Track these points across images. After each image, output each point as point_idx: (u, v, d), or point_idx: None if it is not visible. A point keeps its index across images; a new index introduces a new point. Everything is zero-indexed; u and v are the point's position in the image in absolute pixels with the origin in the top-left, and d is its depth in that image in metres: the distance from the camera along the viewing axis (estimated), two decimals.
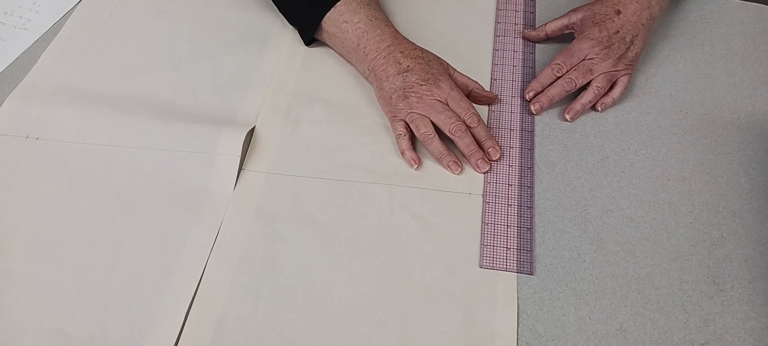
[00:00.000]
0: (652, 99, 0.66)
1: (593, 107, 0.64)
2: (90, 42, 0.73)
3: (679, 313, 0.51)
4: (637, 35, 0.64)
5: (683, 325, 0.50)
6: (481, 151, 0.60)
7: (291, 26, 0.72)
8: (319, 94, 0.67)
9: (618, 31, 0.64)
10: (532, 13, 0.75)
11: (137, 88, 0.67)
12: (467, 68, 0.66)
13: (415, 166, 0.60)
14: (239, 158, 0.60)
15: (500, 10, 0.75)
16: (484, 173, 0.59)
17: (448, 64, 0.64)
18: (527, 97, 0.65)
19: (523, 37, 0.72)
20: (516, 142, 0.62)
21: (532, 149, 0.61)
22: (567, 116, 0.63)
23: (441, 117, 0.59)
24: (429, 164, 0.60)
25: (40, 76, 0.69)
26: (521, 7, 0.75)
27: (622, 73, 0.64)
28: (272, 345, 0.50)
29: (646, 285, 0.52)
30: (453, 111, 0.60)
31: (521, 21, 0.74)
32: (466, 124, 0.60)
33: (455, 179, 0.59)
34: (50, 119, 0.64)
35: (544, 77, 0.64)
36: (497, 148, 0.60)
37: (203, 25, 0.74)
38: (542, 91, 0.64)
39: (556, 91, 0.63)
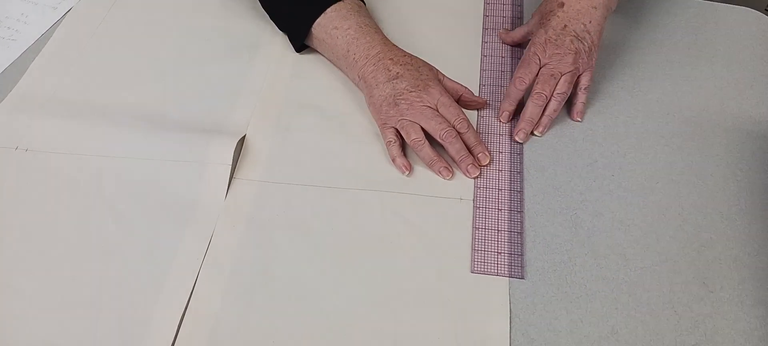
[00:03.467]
0: (639, 103, 0.66)
1: (572, 118, 0.64)
2: (79, 53, 0.72)
3: (670, 315, 0.51)
4: (589, 22, 0.63)
5: (674, 327, 0.51)
6: (471, 156, 0.60)
7: (281, 34, 0.72)
8: (309, 101, 0.67)
9: (565, 26, 0.63)
10: (519, 18, 0.75)
11: (127, 98, 0.67)
12: (456, 74, 0.66)
13: (407, 172, 0.60)
14: (230, 167, 0.60)
15: (488, 16, 0.75)
16: (474, 178, 0.60)
17: (437, 70, 0.65)
18: (502, 120, 0.64)
19: (499, 38, 0.72)
20: (505, 147, 0.62)
21: (521, 154, 0.62)
22: (537, 133, 0.63)
23: (431, 123, 0.60)
24: (420, 170, 0.61)
25: (29, 87, 0.69)
26: (509, 13, 0.76)
27: (583, 68, 0.63)
28: None
29: (637, 288, 0.53)
30: (443, 117, 0.60)
31: (509, 27, 0.74)
32: (456, 130, 0.60)
33: (446, 184, 0.59)
34: (39, 130, 0.64)
35: (513, 96, 0.64)
36: (487, 153, 0.60)
37: (192, 35, 0.74)
38: (516, 108, 0.64)
39: (532, 111, 0.62)
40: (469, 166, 0.59)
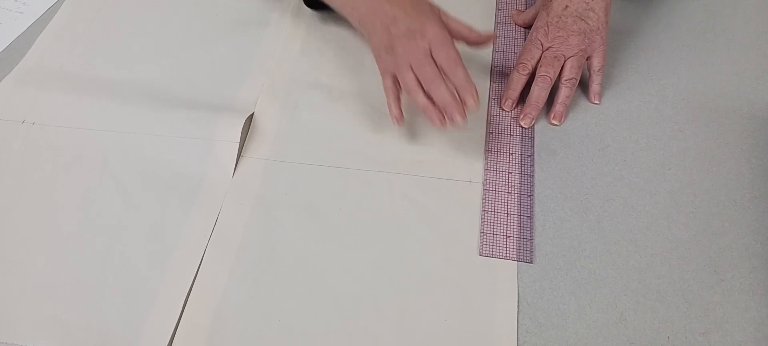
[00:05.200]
0: (654, 87, 0.65)
1: (590, 101, 0.63)
2: (86, 27, 0.72)
3: (680, 302, 0.51)
4: (591, 0, 0.61)
5: (684, 314, 0.50)
6: (457, 102, 0.55)
7: (290, 11, 0.71)
8: (318, 80, 0.66)
9: (567, 6, 0.61)
10: None
11: (134, 73, 0.67)
12: (468, 55, 0.65)
13: (398, 124, 0.58)
14: (238, 145, 0.59)
15: None
16: (458, 123, 0.55)
17: (440, 10, 0.60)
18: (505, 108, 0.62)
19: (512, 19, 0.71)
20: (516, 130, 0.62)
21: (532, 137, 0.61)
22: (555, 122, 0.61)
23: (421, 71, 0.56)
24: (429, 152, 0.60)
25: (36, 61, 0.68)
26: None
27: (591, 50, 0.62)
28: (271, 332, 0.50)
29: (647, 274, 0.52)
30: (434, 62, 0.56)
31: (523, 6, 0.73)
32: (444, 72, 0.56)
33: (455, 167, 0.59)
34: (46, 104, 0.63)
35: (516, 83, 0.62)
36: (473, 95, 0.54)
37: (201, 12, 0.73)
38: (520, 95, 0.62)
39: (537, 94, 0.61)
40: (453, 113, 0.55)
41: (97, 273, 0.53)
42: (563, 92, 0.61)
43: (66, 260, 0.54)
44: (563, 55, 0.61)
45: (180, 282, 0.52)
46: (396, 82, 0.58)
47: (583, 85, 0.64)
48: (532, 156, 0.60)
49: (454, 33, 0.59)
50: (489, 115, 0.63)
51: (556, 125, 0.62)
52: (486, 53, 0.68)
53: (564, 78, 0.61)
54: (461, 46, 0.66)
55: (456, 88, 0.55)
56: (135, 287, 0.52)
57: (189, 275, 0.53)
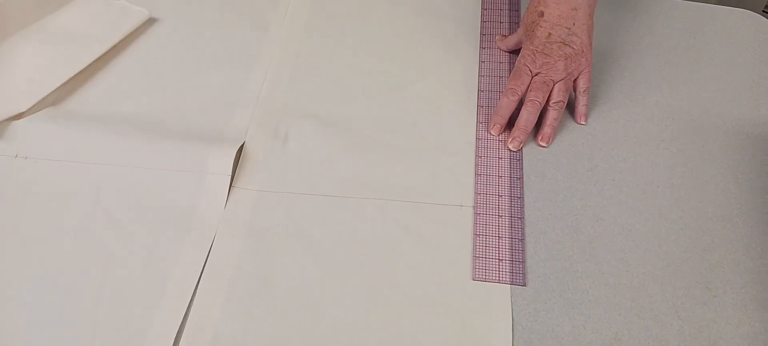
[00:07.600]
0: (639, 106, 0.66)
1: (576, 122, 0.64)
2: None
3: (674, 320, 0.51)
4: (573, 24, 0.62)
5: (677, 332, 0.50)
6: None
7: (279, 41, 0.72)
8: (308, 109, 0.66)
9: (549, 34, 0.62)
10: (516, 23, 0.75)
11: (124, 106, 0.67)
12: (454, 80, 0.66)
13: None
14: (230, 177, 0.59)
15: (485, 22, 0.75)
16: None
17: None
18: (493, 132, 0.63)
19: (496, 44, 0.72)
20: (505, 153, 0.62)
21: (520, 160, 0.61)
22: (543, 144, 0.62)
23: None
24: (419, 177, 0.60)
25: None
26: (506, 19, 0.76)
27: (577, 72, 0.63)
28: None
29: (640, 293, 0.53)
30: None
31: (507, 32, 0.74)
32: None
33: (446, 191, 0.59)
34: (38, 138, 0.63)
35: (504, 109, 0.62)
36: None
37: (190, 43, 0.74)
38: (508, 121, 0.63)
39: (526, 118, 0.61)
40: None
41: (88, 309, 0.52)
42: (551, 115, 0.62)
43: (58, 294, 0.53)
44: (552, 79, 0.62)
45: (173, 316, 0.52)
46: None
47: (570, 107, 0.65)
48: (521, 178, 0.60)
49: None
50: (477, 138, 0.63)
51: (544, 147, 0.62)
52: (473, 77, 0.69)
53: (552, 101, 0.62)
54: (449, 72, 0.66)
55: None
56: (127, 322, 0.52)
57: (182, 309, 0.52)
